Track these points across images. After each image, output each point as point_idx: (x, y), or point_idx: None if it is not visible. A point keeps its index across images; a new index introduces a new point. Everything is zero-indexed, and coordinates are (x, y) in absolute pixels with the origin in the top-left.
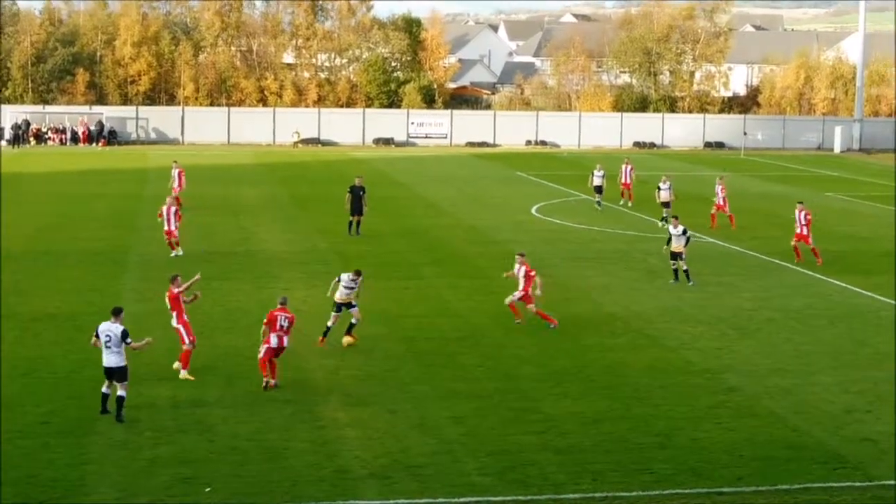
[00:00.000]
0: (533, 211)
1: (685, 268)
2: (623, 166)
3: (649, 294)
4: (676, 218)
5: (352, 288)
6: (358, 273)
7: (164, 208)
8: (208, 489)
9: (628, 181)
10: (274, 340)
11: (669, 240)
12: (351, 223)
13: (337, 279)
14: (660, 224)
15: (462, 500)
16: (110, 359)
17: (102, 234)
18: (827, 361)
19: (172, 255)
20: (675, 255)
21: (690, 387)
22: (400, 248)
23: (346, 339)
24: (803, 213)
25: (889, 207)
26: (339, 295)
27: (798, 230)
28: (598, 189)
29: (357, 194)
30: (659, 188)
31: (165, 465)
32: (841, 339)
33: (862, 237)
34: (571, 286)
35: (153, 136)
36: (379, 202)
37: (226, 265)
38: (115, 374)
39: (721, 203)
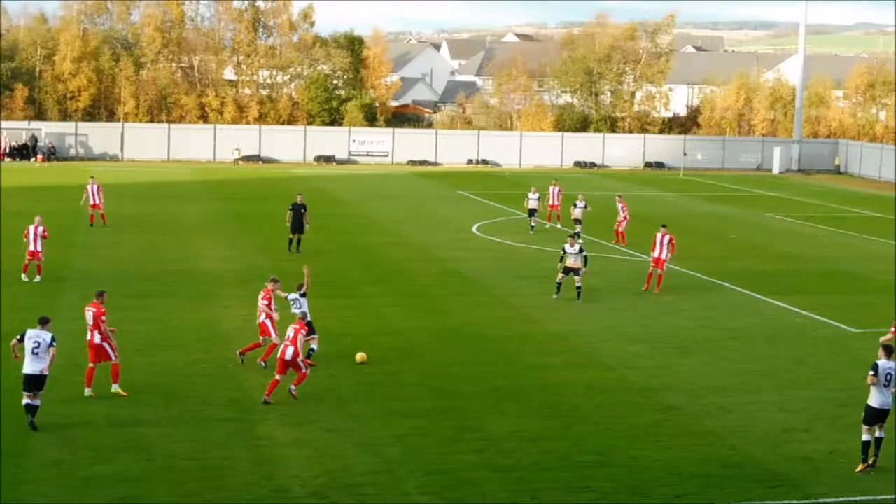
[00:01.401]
0: (474, 229)
1: (579, 285)
2: (551, 188)
3: (588, 313)
4: (574, 237)
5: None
6: (299, 287)
7: (32, 227)
8: None
9: (556, 203)
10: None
11: (562, 258)
12: (291, 241)
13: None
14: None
15: None
16: (36, 366)
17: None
18: (765, 381)
19: (25, 278)
20: (569, 270)
21: (629, 405)
22: (341, 266)
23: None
24: (666, 237)
25: (827, 228)
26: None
27: (656, 254)
28: (532, 212)
29: (298, 212)
30: (574, 205)
31: (102, 484)
32: (779, 358)
33: (800, 257)
34: (511, 305)
35: (93, 152)
36: (320, 220)
37: (165, 283)
38: (38, 382)
39: (621, 219)
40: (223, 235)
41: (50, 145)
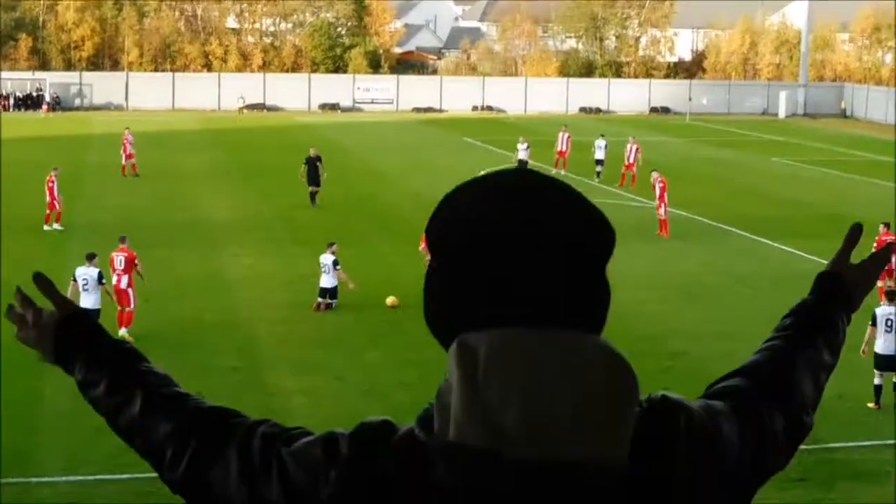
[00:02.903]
0: None
1: None
2: (560, 134)
3: None
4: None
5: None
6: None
7: (49, 178)
8: None
9: (564, 149)
10: None
11: None
12: (312, 195)
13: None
14: (595, 181)
15: None
16: (87, 300)
17: (46, 202)
18: (771, 326)
19: (46, 227)
20: None
21: (636, 352)
22: (347, 216)
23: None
24: (657, 181)
25: (833, 172)
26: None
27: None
28: (522, 163)
29: (314, 165)
30: (596, 147)
31: (112, 433)
32: (786, 303)
33: (806, 202)
34: None
35: (97, 102)
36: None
37: (171, 233)
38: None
39: (630, 162)
40: (228, 185)
41: (55, 95)
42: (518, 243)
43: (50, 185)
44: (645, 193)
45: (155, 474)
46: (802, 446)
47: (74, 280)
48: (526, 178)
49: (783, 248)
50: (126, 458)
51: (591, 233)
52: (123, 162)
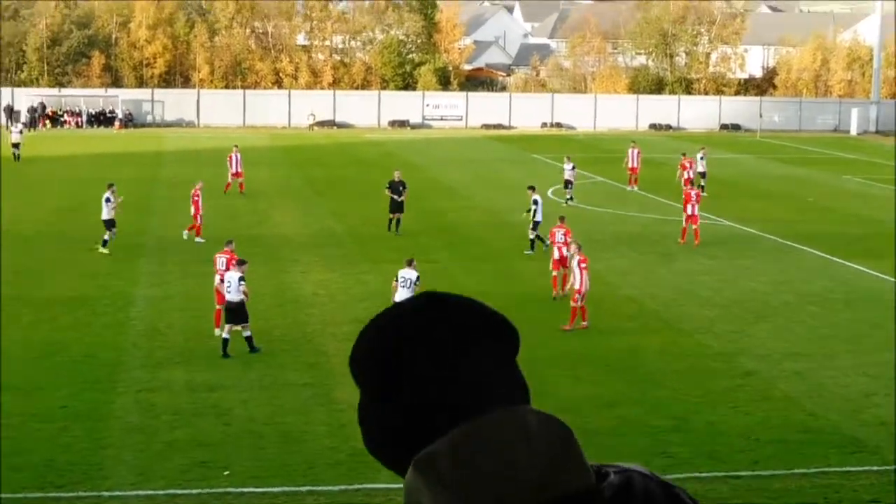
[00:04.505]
0: (549, 193)
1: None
2: (630, 150)
3: (664, 277)
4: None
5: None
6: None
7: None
8: (226, 473)
9: (635, 165)
10: None
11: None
12: (391, 220)
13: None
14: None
15: None
16: (231, 299)
17: (118, 218)
18: (843, 345)
19: (200, 240)
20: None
21: (706, 370)
22: (415, 232)
23: None
24: (694, 193)
25: None
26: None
27: (689, 211)
28: (567, 183)
29: (397, 190)
30: (698, 158)
31: (182, 448)
32: (857, 322)
33: (878, 220)
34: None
35: (169, 118)
36: None
37: (241, 248)
38: (236, 312)
39: (688, 178)
40: (298, 201)
41: (127, 112)
42: (439, 353)
43: (195, 198)
44: (710, 209)
45: (224, 489)
46: (874, 468)
47: (222, 282)
48: (433, 297)
49: (855, 266)
50: (196, 472)
51: (497, 331)
52: (237, 180)
